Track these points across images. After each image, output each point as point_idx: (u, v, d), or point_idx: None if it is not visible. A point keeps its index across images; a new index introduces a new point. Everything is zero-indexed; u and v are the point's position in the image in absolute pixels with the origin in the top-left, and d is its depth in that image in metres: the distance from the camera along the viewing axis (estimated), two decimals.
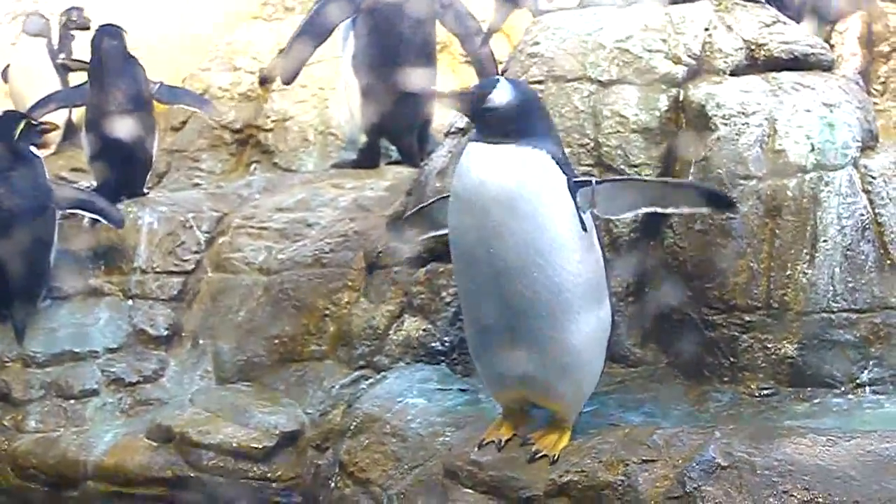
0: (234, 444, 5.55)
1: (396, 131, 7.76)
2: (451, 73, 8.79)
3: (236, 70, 8.97)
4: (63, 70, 9.23)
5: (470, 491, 4.37)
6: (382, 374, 5.46)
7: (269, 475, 5.53)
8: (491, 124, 4.15)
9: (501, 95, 4.17)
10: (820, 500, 3.65)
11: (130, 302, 6.58)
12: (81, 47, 8.79)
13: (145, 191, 7.38)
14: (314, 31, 7.53)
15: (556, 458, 4.15)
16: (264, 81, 8.75)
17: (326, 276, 6.20)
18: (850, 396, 4.81)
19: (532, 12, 6.46)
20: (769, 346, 4.88)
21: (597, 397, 4.88)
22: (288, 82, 7.89)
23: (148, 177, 7.52)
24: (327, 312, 6.08)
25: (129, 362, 6.31)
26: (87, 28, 9.01)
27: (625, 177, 5.07)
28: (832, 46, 7.28)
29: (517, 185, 4.05)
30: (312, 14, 7.54)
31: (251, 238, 6.73)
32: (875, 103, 7.01)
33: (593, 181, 4.20)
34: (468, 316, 4.39)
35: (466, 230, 4.15)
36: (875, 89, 7.40)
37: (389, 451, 4.77)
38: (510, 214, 4.04)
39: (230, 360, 6.20)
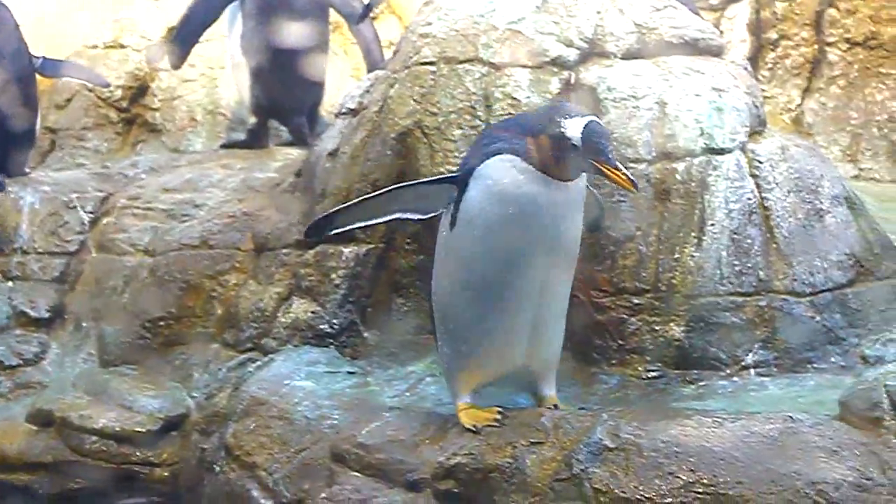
0: (117, 429, 5.46)
1: (286, 112, 7.69)
2: (343, 55, 8.72)
3: (123, 48, 8.78)
4: None
5: (357, 474, 4.35)
6: (270, 356, 5.39)
7: (152, 460, 5.44)
8: None
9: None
10: (705, 480, 3.67)
11: (10, 283, 6.42)
12: None
13: (27, 170, 7.19)
14: (203, 13, 7.42)
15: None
16: (152, 60, 8.58)
17: (214, 257, 6.10)
18: (735, 379, 4.84)
19: None
20: (657, 328, 4.91)
21: None
22: (177, 67, 7.76)
23: (30, 156, 7.34)
24: (214, 294, 5.98)
25: (9, 345, 6.17)
26: None
27: None
28: (721, 33, 7.36)
29: (579, 192, 4.17)
30: None
31: (137, 219, 6.60)
32: (763, 89, 7.11)
33: None
34: (477, 309, 4.18)
35: (525, 232, 4.06)
36: (763, 75, 7.50)
37: (276, 434, 4.72)
38: (577, 210, 4.15)
39: (114, 342, 6.07)
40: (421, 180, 4.54)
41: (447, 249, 4.22)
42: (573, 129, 3.93)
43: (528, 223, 4.02)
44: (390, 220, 4.50)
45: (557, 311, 4.22)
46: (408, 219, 4.41)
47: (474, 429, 4.10)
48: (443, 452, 4.10)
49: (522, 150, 4.02)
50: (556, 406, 4.24)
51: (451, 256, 4.20)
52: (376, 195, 4.43)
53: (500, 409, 4.16)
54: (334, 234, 4.75)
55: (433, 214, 4.32)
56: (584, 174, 4.14)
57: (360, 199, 4.55)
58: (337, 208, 4.63)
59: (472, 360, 4.22)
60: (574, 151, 3.94)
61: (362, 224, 4.56)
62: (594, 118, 4.00)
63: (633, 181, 3.91)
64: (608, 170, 3.90)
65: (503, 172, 4.03)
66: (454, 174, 4.27)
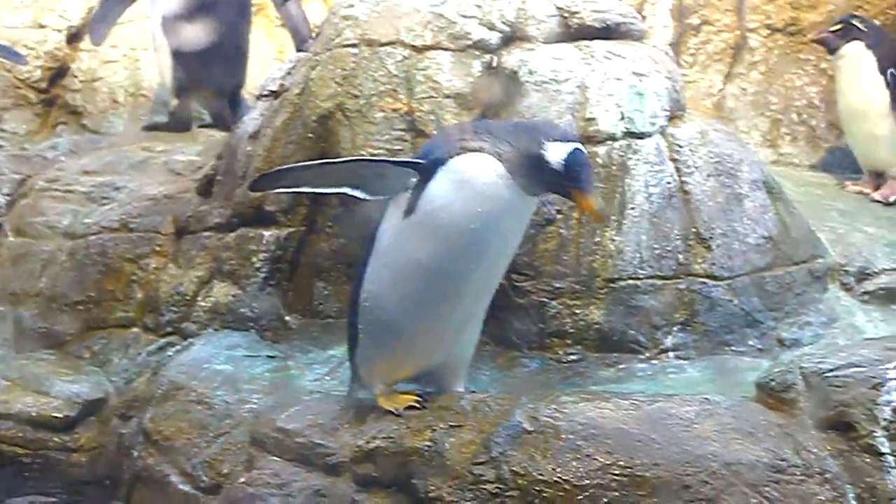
0: (34, 414, 5.39)
1: (207, 94, 7.63)
2: (266, 37, 8.65)
3: (42, 28, 8.63)
4: None
5: (276, 458, 4.32)
6: (189, 340, 5.35)
7: (70, 445, 5.38)
8: None
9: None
10: (622, 462, 3.68)
11: None
12: None
13: None
14: None
15: None
16: (72, 40, 8.47)
17: (134, 241, 6.04)
18: (654, 361, 4.89)
19: None
20: (577, 312, 4.93)
21: None
22: (98, 44, 7.66)
23: None
24: (134, 278, 5.92)
25: None
26: None
27: None
28: (644, 18, 7.39)
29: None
30: None
31: (55, 201, 6.52)
32: (685, 74, 7.16)
33: None
34: (417, 301, 4.09)
35: (484, 234, 3.98)
36: (685, 60, 7.55)
37: (195, 418, 4.69)
38: (524, 216, 4.12)
39: (31, 327, 5.98)
40: (387, 159, 4.42)
41: (396, 236, 4.11)
42: (556, 153, 3.89)
43: (491, 226, 3.96)
44: (336, 193, 4.45)
45: (481, 311, 4.21)
46: (354, 196, 4.27)
47: (395, 412, 4.05)
48: (362, 436, 4.08)
49: (503, 156, 3.95)
50: None
51: (400, 244, 4.10)
52: (335, 162, 4.38)
53: (418, 393, 4.13)
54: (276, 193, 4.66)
55: (381, 198, 4.22)
56: None
57: (318, 162, 4.46)
58: (291, 166, 4.54)
59: (395, 353, 4.17)
60: (552, 175, 3.90)
61: (309, 190, 4.52)
62: (578, 146, 3.95)
63: (601, 213, 3.93)
64: (581, 199, 3.90)
65: (481, 171, 3.96)
66: (420, 160, 4.12)
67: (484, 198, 3.94)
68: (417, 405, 4.04)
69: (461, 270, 4.01)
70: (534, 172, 3.92)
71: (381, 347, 4.19)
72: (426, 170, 4.02)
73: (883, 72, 6.58)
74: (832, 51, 6.68)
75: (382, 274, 4.15)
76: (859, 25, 6.68)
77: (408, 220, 4.04)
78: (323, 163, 4.42)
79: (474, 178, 3.95)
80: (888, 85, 6.58)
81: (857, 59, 6.62)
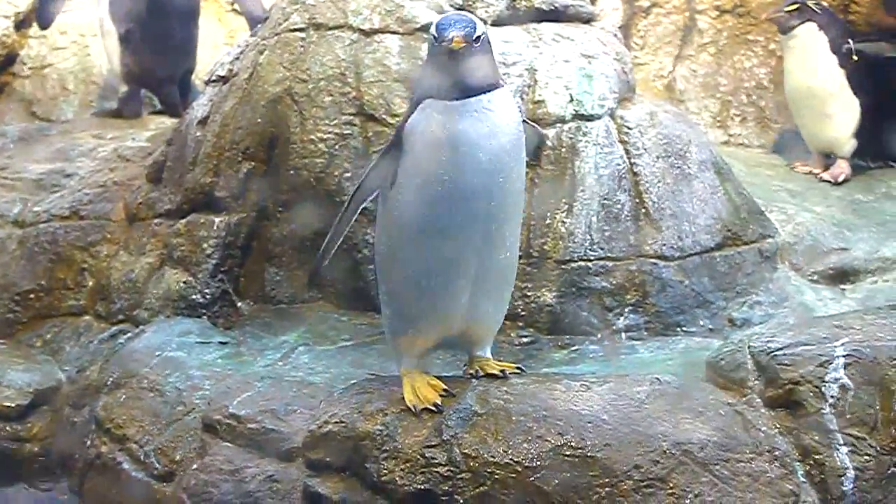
0: None
1: (157, 80, 7.57)
2: (217, 22, 8.61)
3: None
4: None
5: (229, 444, 4.31)
6: (141, 328, 5.32)
7: (22, 434, 5.31)
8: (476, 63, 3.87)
9: (480, 26, 3.89)
10: (573, 444, 3.69)
11: None
12: None
13: None
14: None
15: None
16: (20, 26, 8.39)
17: (84, 228, 5.99)
18: (606, 343, 4.92)
19: None
20: (529, 294, 4.95)
21: (358, 347, 4.90)
22: (45, 27, 7.60)
23: None
24: (85, 266, 5.88)
25: None
26: None
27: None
28: (594, 1, 7.40)
29: (518, 131, 3.94)
30: None
31: (4, 189, 6.45)
32: (635, 56, 7.19)
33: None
34: (426, 262, 3.95)
35: (463, 182, 3.84)
36: (635, 43, 7.58)
37: (147, 406, 4.66)
38: (520, 162, 3.97)
39: None
40: (368, 169, 4.13)
41: (385, 209, 4.03)
42: (433, 26, 3.86)
43: (464, 165, 3.84)
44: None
45: (500, 272, 4.05)
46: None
47: (413, 409, 3.92)
48: (314, 421, 4.08)
49: (431, 88, 3.89)
50: (479, 371, 4.06)
51: (389, 216, 4.00)
52: (344, 211, 4.16)
53: (445, 389, 3.97)
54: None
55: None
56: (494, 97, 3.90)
57: (335, 224, 4.21)
58: (323, 248, 4.27)
59: (413, 323, 4.05)
60: (434, 45, 3.84)
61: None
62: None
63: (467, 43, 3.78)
64: (445, 42, 3.78)
65: (425, 119, 3.88)
66: (391, 141, 4.05)
67: (444, 142, 3.85)
68: (435, 409, 3.89)
69: (453, 227, 3.89)
70: (439, 65, 3.86)
71: (397, 320, 4.10)
72: (396, 144, 3.96)
73: (836, 51, 6.62)
74: (785, 31, 6.71)
75: (383, 246, 4.09)
76: (813, 7, 6.72)
77: (391, 192, 3.97)
78: (337, 223, 4.27)
79: (424, 130, 3.88)
80: (841, 64, 6.63)
81: (809, 40, 6.66)
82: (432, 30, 3.84)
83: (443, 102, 3.85)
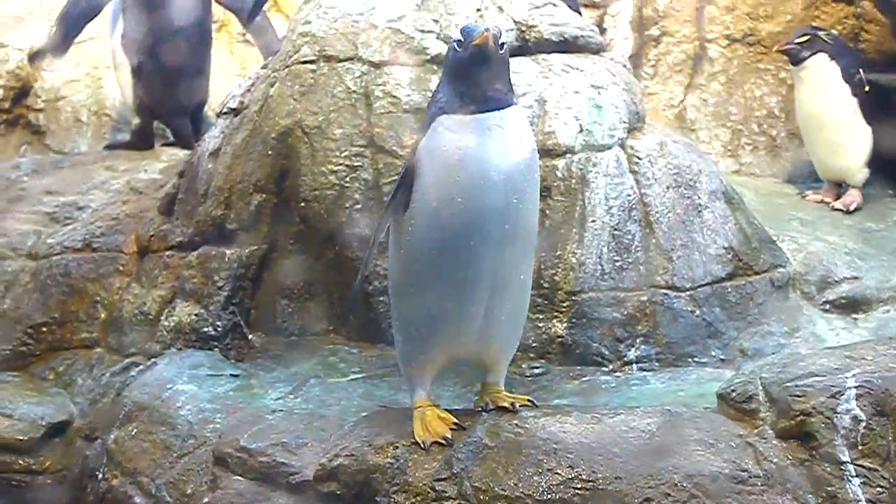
0: None
1: (169, 112, 7.59)
2: (228, 54, 8.65)
3: (4, 47, 8.60)
4: None
5: (239, 478, 4.31)
6: (153, 360, 5.32)
7: (35, 467, 5.34)
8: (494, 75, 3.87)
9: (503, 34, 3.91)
10: (583, 476, 3.68)
11: None
12: None
13: None
14: (82, 6, 7.32)
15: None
16: (34, 59, 8.43)
17: (97, 260, 6.02)
18: (618, 374, 4.91)
19: None
20: (540, 325, 4.94)
21: (369, 380, 4.90)
22: (58, 57, 7.64)
23: None
24: (98, 298, 5.90)
25: None
26: None
27: None
28: (604, 30, 7.43)
29: (532, 151, 3.90)
30: None
31: (18, 222, 6.48)
32: (646, 86, 7.21)
33: None
34: (439, 286, 3.90)
35: (477, 202, 3.79)
36: (646, 72, 7.58)
37: (158, 439, 4.66)
38: (533, 183, 3.93)
39: None
40: (389, 200, 4.05)
41: (398, 235, 3.98)
42: (456, 33, 3.87)
43: (477, 184, 3.79)
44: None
45: (514, 297, 3.99)
46: None
47: (422, 444, 3.88)
48: (325, 454, 4.07)
49: (445, 103, 3.87)
50: (489, 404, 4.01)
51: (402, 241, 3.95)
52: (372, 245, 4.13)
53: (455, 422, 3.94)
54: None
55: None
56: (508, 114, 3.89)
57: (364, 259, 4.27)
58: (357, 284, 4.37)
59: (425, 349, 4.01)
60: (459, 53, 3.84)
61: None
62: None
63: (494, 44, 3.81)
64: (472, 39, 3.80)
65: (438, 137, 3.84)
66: (405, 167, 3.99)
67: (455, 161, 3.81)
68: (445, 441, 3.87)
69: (463, 251, 3.83)
70: (460, 73, 3.85)
71: (409, 345, 4.04)
72: (410, 166, 3.91)
73: (848, 81, 6.62)
74: (797, 62, 6.70)
75: (394, 270, 4.05)
76: (824, 37, 6.72)
77: (404, 216, 3.91)
78: (368, 253, 4.23)
79: (437, 149, 3.84)
80: (853, 94, 6.63)
81: (822, 71, 6.65)
82: (456, 35, 3.85)
83: (456, 118, 3.82)
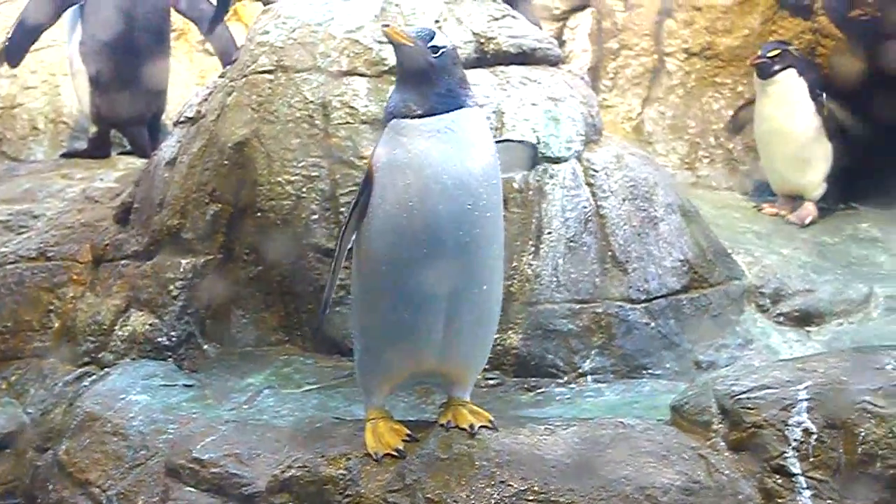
0: None
1: (126, 121, 7.55)
2: (187, 62, 8.61)
3: None
4: None
5: (192, 489, 4.28)
6: (106, 370, 5.28)
7: None
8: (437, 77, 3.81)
9: (441, 38, 3.84)
10: (536, 488, 3.68)
11: None
12: None
13: None
14: (39, 13, 7.28)
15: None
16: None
17: (51, 269, 5.96)
18: (573, 385, 4.92)
19: (262, 1, 6.37)
20: (496, 336, 4.88)
21: (324, 391, 4.88)
22: (14, 65, 7.60)
23: None
24: (52, 307, 5.84)
25: None
26: None
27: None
28: (563, 43, 7.46)
29: (490, 156, 3.81)
30: None
31: None
32: (604, 98, 7.24)
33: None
34: (393, 295, 3.83)
35: (429, 208, 3.72)
36: (604, 85, 7.61)
37: (110, 450, 4.62)
38: (491, 189, 3.82)
39: None
40: (350, 209, 3.98)
41: (357, 243, 3.91)
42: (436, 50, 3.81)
43: (428, 189, 3.72)
44: None
45: (476, 310, 3.90)
46: None
47: (374, 455, 3.87)
48: (278, 465, 4.05)
49: (395, 107, 3.82)
50: (450, 422, 3.93)
51: (360, 249, 3.89)
52: (336, 257, 4.03)
53: (408, 434, 3.92)
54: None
55: None
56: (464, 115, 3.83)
57: (331, 272, 4.10)
58: (324, 299, 4.19)
59: (383, 361, 3.95)
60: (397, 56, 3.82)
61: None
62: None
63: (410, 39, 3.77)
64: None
65: (389, 141, 3.80)
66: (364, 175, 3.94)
67: (405, 163, 3.75)
68: (397, 454, 3.86)
69: (419, 255, 3.76)
70: (408, 75, 3.81)
71: (368, 354, 3.99)
72: (368, 174, 3.87)
73: (814, 98, 6.68)
74: (766, 76, 6.74)
75: (355, 281, 3.99)
76: (794, 52, 6.79)
77: (362, 226, 3.87)
78: (334, 266, 4.04)
79: (387, 156, 3.80)
80: (817, 111, 6.68)
81: (790, 86, 6.70)
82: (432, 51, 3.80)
83: (405, 122, 3.77)
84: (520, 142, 4.39)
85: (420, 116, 3.77)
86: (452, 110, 3.79)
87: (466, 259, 3.81)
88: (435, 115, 3.77)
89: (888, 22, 6.70)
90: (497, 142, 3.96)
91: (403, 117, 3.79)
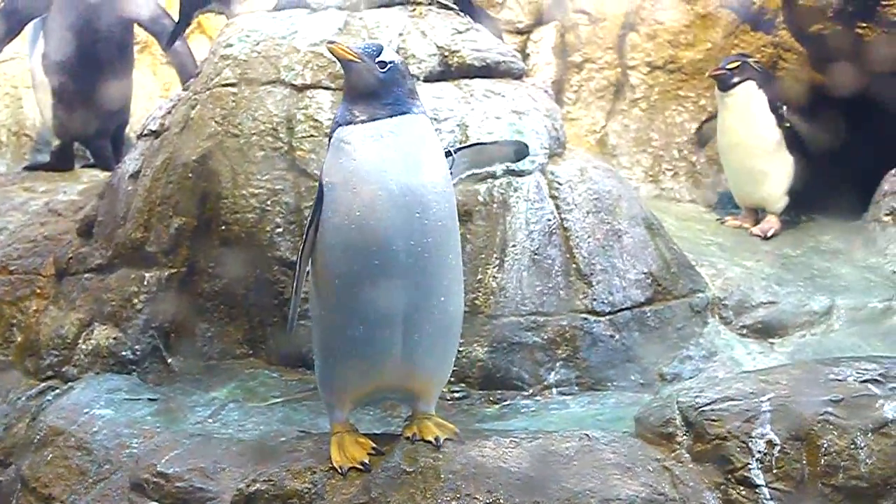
0: None
1: (89, 134, 7.54)
2: (152, 75, 8.60)
3: None
4: None
5: (156, 503, 4.26)
6: (70, 384, 5.25)
7: None
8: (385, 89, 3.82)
9: (389, 53, 3.87)
10: (501, 501, 3.67)
11: None
12: None
13: None
14: (2, 27, 7.25)
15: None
16: None
17: (14, 283, 5.94)
18: (538, 398, 4.93)
19: (226, 14, 6.36)
20: (461, 349, 4.89)
21: (289, 404, 4.88)
22: None
23: None
24: (14, 321, 5.82)
25: None
26: None
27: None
28: (527, 56, 7.48)
29: (439, 161, 3.83)
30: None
31: None
32: (568, 111, 7.26)
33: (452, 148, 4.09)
34: (347, 310, 3.80)
35: (376, 217, 3.69)
36: (568, 98, 7.64)
37: (74, 464, 4.60)
38: (441, 196, 3.78)
39: None
40: (308, 224, 3.96)
41: (313, 256, 3.88)
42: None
43: (374, 196, 3.69)
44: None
45: (436, 322, 3.85)
46: None
47: (339, 469, 3.84)
48: (243, 479, 4.03)
49: (341, 115, 3.83)
50: (416, 434, 3.90)
51: (314, 262, 3.86)
52: (297, 272, 3.98)
53: (373, 447, 3.90)
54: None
55: None
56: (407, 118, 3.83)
57: (294, 286, 4.05)
58: (290, 314, 4.07)
59: (343, 376, 3.92)
60: (376, 81, 3.81)
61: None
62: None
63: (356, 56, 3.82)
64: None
65: (335, 149, 3.80)
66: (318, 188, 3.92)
67: (349, 170, 3.74)
68: (362, 467, 3.83)
69: (369, 266, 3.73)
70: (354, 101, 3.81)
71: (328, 369, 3.97)
72: (320, 186, 3.85)
73: (774, 111, 6.71)
74: (726, 88, 6.76)
75: (312, 294, 3.96)
76: (753, 65, 6.82)
77: (316, 240, 3.85)
78: (295, 282, 3.99)
79: (336, 158, 3.80)
80: (778, 124, 6.71)
81: (749, 98, 6.73)
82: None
83: (348, 129, 3.77)
84: (514, 142, 4.41)
85: (363, 122, 3.78)
86: (396, 115, 3.79)
87: (420, 270, 3.77)
88: (378, 119, 3.78)
89: (844, 37, 6.74)
90: (492, 143, 3.99)
91: (347, 124, 3.80)
